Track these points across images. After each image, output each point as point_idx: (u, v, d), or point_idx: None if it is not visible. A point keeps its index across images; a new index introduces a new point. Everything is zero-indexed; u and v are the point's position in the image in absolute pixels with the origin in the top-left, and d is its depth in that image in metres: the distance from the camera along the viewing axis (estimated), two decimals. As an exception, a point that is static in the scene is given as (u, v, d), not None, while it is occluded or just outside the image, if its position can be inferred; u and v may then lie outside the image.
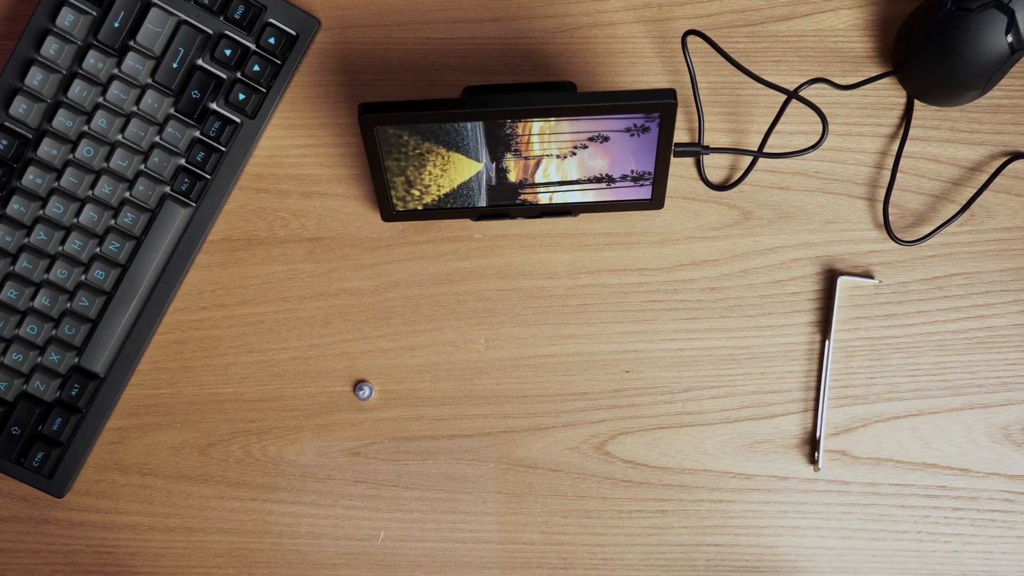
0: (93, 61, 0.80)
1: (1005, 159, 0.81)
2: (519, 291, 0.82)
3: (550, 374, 0.82)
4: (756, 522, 0.82)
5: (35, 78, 0.80)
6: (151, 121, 0.81)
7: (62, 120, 0.80)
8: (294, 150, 0.83)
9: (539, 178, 0.77)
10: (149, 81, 0.81)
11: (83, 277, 0.81)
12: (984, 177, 0.81)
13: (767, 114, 0.81)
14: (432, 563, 0.83)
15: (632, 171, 0.76)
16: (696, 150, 0.80)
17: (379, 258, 0.83)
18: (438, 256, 0.82)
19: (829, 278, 0.82)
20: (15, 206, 0.80)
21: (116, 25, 0.80)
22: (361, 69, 0.82)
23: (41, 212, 0.81)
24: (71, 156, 0.81)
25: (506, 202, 0.78)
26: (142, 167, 0.81)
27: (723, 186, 0.81)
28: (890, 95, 0.81)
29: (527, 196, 0.78)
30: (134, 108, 0.81)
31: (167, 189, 0.81)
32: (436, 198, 0.78)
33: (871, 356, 0.82)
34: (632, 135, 0.74)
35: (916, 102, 0.81)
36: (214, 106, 0.81)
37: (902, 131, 0.81)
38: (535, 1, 0.82)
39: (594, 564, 0.83)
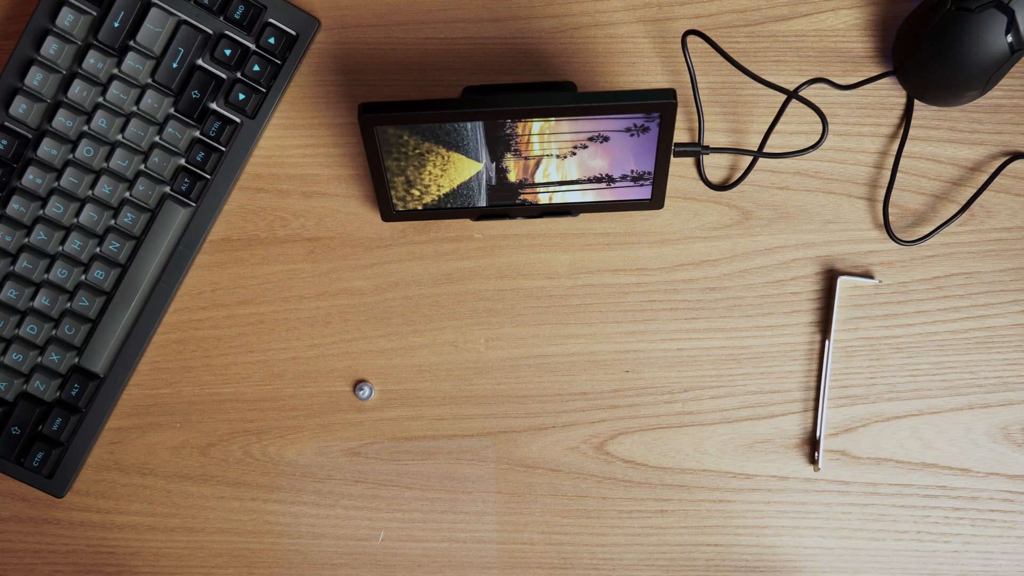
0: (93, 61, 0.80)
1: (1005, 159, 0.81)
2: (519, 291, 0.82)
3: (550, 374, 0.82)
4: (756, 522, 0.82)
5: (35, 78, 0.80)
6: (151, 121, 0.81)
7: (62, 120, 0.80)
8: (294, 150, 0.83)
9: (539, 178, 0.77)
10: (149, 81, 0.81)
11: (83, 277, 0.81)
12: (984, 177, 0.81)
13: (767, 114, 0.81)
14: (432, 563, 0.83)
15: (632, 171, 0.76)
16: (696, 150, 0.80)
17: (379, 258, 0.83)
18: (438, 256, 0.82)
19: (829, 278, 0.82)
20: (15, 206, 0.80)
21: (116, 25, 0.80)
22: (361, 69, 0.82)
23: (41, 212, 0.81)
24: (71, 156, 0.81)
25: (506, 202, 0.78)
26: (142, 167, 0.81)
27: (723, 186, 0.81)
28: (890, 95, 0.81)
29: (527, 196, 0.78)
30: (134, 108, 0.81)
31: (167, 189, 0.81)
32: (436, 198, 0.78)
33: (871, 356, 0.82)
34: (632, 135, 0.74)
35: (916, 102, 0.81)
36: (214, 106, 0.81)
37: (902, 131, 0.81)
38: (535, 1, 0.82)
39: (594, 564, 0.83)
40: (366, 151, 0.75)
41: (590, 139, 0.74)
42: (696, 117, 0.81)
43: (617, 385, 0.82)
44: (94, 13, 0.80)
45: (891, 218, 0.81)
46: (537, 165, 0.76)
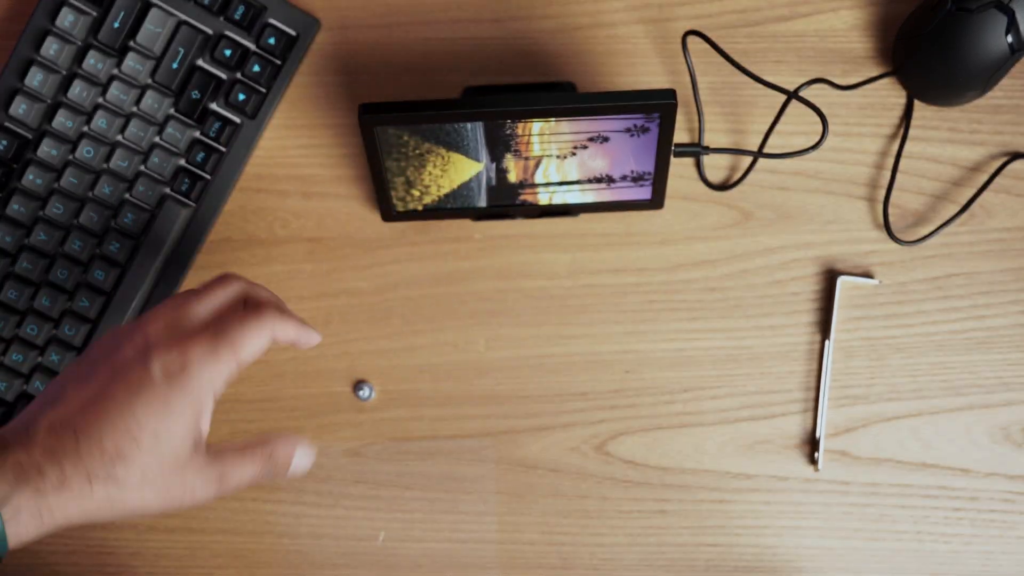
0: (93, 61, 0.80)
1: (1005, 159, 0.81)
2: (519, 291, 0.82)
3: (550, 374, 0.82)
4: (756, 522, 0.82)
5: (35, 78, 0.80)
6: (151, 121, 0.81)
7: (62, 120, 0.80)
8: (294, 150, 0.83)
9: (539, 178, 0.77)
10: (149, 81, 0.81)
11: (83, 277, 0.81)
12: (984, 177, 0.81)
13: (767, 114, 0.81)
14: (432, 563, 0.83)
15: (632, 171, 0.76)
16: (696, 150, 0.80)
17: (379, 258, 0.83)
18: (438, 256, 0.82)
19: (829, 278, 0.82)
20: (15, 206, 0.80)
21: (116, 25, 0.80)
22: (361, 69, 0.82)
23: (41, 212, 0.81)
24: (71, 156, 0.81)
25: (506, 202, 0.78)
26: (142, 167, 0.81)
27: (723, 186, 0.81)
28: (890, 95, 0.81)
29: (527, 196, 0.78)
30: (134, 108, 0.81)
31: (167, 189, 0.81)
32: (436, 198, 0.78)
33: (871, 356, 0.82)
34: (632, 135, 0.74)
35: (916, 102, 0.81)
36: (214, 106, 0.81)
37: (902, 131, 0.81)
38: (535, 1, 0.82)
39: (594, 564, 0.83)
40: (366, 151, 0.75)
41: (590, 139, 0.74)
42: (696, 117, 0.81)
43: (617, 385, 0.82)
44: (94, 13, 0.80)
45: (891, 218, 0.81)
46: (537, 165, 0.76)
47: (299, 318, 0.69)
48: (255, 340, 0.64)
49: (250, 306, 0.66)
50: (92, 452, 0.59)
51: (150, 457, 0.60)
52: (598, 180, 0.77)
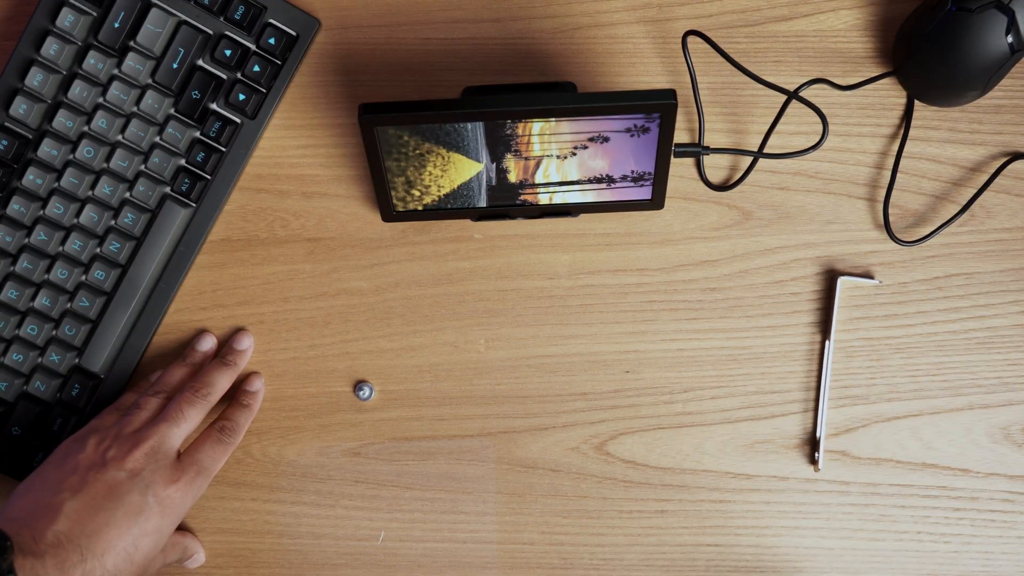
0: (93, 62, 0.80)
1: (1005, 159, 0.81)
2: (519, 291, 0.82)
3: (550, 374, 0.82)
4: (756, 522, 0.82)
5: (35, 78, 0.80)
6: (151, 121, 0.81)
7: (62, 120, 0.80)
8: (294, 150, 0.83)
9: (539, 178, 0.77)
10: (149, 81, 0.81)
11: (83, 277, 0.81)
12: (984, 177, 0.81)
13: (767, 114, 0.81)
14: (432, 563, 0.83)
15: (632, 171, 0.76)
16: (696, 150, 0.80)
17: (379, 258, 0.83)
18: (438, 256, 0.82)
19: (829, 278, 0.82)
20: (15, 206, 0.80)
21: (116, 25, 0.80)
22: (361, 69, 0.82)
23: (41, 212, 0.81)
24: (71, 156, 0.81)
25: (506, 202, 0.78)
26: (142, 167, 0.81)
27: (723, 186, 0.81)
28: (890, 95, 0.81)
29: (527, 196, 0.78)
30: (134, 108, 0.81)
31: (167, 189, 0.81)
32: (436, 198, 0.78)
33: (871, 356, 0.82)
34: (632, 135, 0.74)
35: (916, 102, 0.81)
36: (214, 106, 0.81)
37: (902, 131, 0.81)
38: (535, 1, 0.82)
39: (594, 564, 0.83)
40: (366, 151, 0.75)
41: (590, 139, 0.74)
42: (696, 117, 0.81)
43: (617, 385, 0.82)
44: (94, 13, 0.80)
45: (891, 218, 0.81)
46: (537, 165, 0.76)
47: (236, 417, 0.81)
48: (222, 461, 0.79)
49: (215, 427, 0.80)
50: (95, 570, 0.70)
51: (138, 568, 0.73)
52: (598, 180, 0.77)
